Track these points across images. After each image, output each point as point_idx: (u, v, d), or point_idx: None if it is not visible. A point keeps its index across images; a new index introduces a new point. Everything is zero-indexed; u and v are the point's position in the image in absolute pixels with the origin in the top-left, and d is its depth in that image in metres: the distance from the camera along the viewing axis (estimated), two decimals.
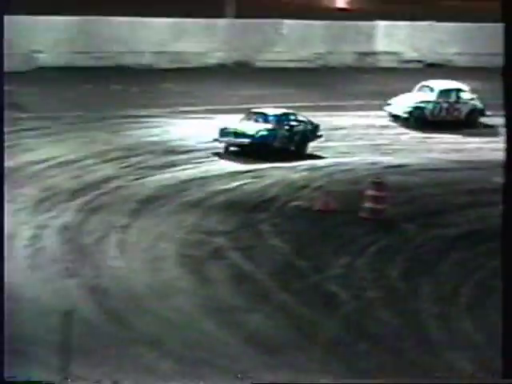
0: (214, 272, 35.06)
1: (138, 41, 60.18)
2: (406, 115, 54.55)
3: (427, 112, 54.50)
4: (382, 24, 65.68)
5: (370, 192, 41.33)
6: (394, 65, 64.63)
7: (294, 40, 63.46)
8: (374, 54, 64.87)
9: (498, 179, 46.65)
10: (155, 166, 45.73)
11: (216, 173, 45.30)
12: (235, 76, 59.70)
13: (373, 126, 53.75)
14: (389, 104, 54.86)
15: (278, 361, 28.48)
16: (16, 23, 57.35)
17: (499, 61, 64.23)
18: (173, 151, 47.99)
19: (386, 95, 58.11)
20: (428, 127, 51.51)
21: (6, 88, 53.00)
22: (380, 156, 49.09)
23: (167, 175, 44.57)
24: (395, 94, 57.82)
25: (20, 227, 37.38)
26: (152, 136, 49.60)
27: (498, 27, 64.83)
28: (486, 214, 42.37)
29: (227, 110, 53.29)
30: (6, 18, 57.62)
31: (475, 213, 42.61)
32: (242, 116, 50.16)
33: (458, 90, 55.54)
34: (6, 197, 38.81)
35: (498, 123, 51.68)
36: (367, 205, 40.96)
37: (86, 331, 24.87)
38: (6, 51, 58.06)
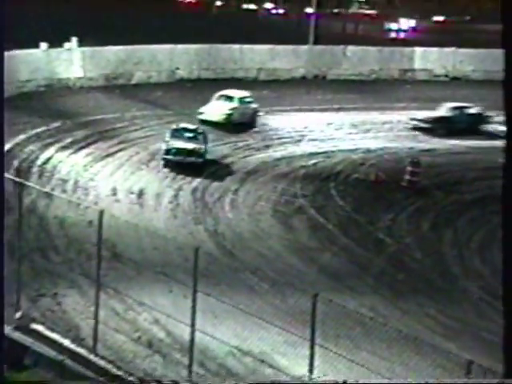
0: (297, 223, 35.29)
1: (246, 61, 60.28)
2: (223, 120, 47.87)
3: (236, 116, 48.81)
4: (419, 49, 65.42)
5: (409, 168, 41.33)
6: (427, 78, 64.12)
7: (355, 60, 63.24)
8: (413, 70, 64.58)
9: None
10: (256, 148, 45.75)
11: (298, 153, 45.22)
12: (313, 86, 59.43)
13: (404, 121, 53.37)
14: (201, 113, 48.00)
15: (342, 285, 28.89)
16: (162, 50, 57.82)
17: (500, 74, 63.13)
18: (266, 135, 47.96)
19: (422, 100, 57.87)
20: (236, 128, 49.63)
21: (158, 94, 53.61)
22: (416, 143, 48.89)
23: (264, 154, 44.48)
24: (429, 100, 57.62)
25: (165, 189, 37.90)
26: (251, 127, 49.57)
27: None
28: (493, 185, 42.46)
29: (306, 109, 53.18)
30: (160, 46, 57.47)
31: (485, 184, 42.57)
32: None
33: (248, 97, 50.71)
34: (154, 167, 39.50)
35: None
36: (407, 177, 41.03)
37: (208, 261, 25.19)
38: (156, 69, 57.09)
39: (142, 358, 21.93)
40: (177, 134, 41.96)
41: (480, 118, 53.56)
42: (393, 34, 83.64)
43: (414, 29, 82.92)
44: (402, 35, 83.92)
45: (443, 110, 52.56)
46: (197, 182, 39.07)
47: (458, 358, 18.11)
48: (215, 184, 38.87)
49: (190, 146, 40.95)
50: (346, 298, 26.87)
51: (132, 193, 36.89)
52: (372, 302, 27.57)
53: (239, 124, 48.46)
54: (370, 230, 35.01)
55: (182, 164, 40.36)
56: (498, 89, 49.29)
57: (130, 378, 19.32)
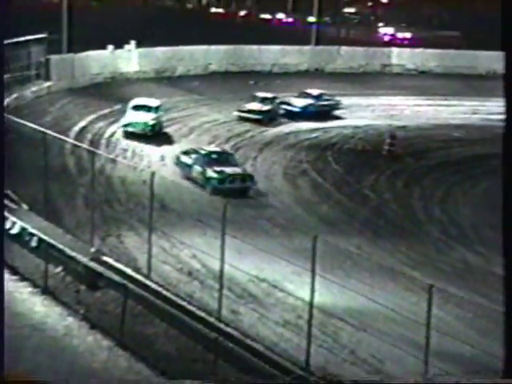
0: (302, 182, 35.29)
1: (263, 58, 60.12)
2: (148, 132, 38.79)
3: (157, 126, 40.00)
4: (395, 49, 65.28)
5: (387, 140, 41.30)
6: (401, 71, 63.91)
7: (347, 57, 63.02)
8: (391, 65, 64.35)
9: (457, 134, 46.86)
10: (269, 124, 44.96)
11: (303, 129, 45.18)
12: (314, 76, 59.25)
13: (389, 105, 53.21)
14: (125, 125, 39.11)
15: (335, 229, 29.00)
16: (198, 50, 57.72)
17: (459, 70, 62.97)
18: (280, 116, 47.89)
19: (398, 88, 57.65)
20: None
21: (197, 85, 53.00)
22: (394, 121, 48.75)
23: (276, 129, 44.54)
24: (403, 87, 57.50)
25: None
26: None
27: (463, 53, 63.05)
28: (451, 153, 42.51)
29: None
30: (197, 47, 56.03)
31: (447, 151, 42.60)
32: None
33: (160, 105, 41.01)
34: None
35: None
36: (386, 148, 41.04)
37: (234, 212, 25.27)
38: (194, 65, 55.54)
39: (184, 283, 22.21)
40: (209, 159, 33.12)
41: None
42: (386, 38, 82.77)
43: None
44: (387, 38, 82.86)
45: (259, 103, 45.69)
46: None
47: (422, 283, 18.27)
48: (239, 152, 38.92)
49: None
50: (339, 239, 26.98)
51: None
52: (358, 242, 27.60)
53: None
54: (358, 188, 35.04)
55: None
56: (455, 80, 48.90)
57: (172, 296, 19.52)
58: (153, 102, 40.96)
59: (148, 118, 39.35)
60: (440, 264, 26.27)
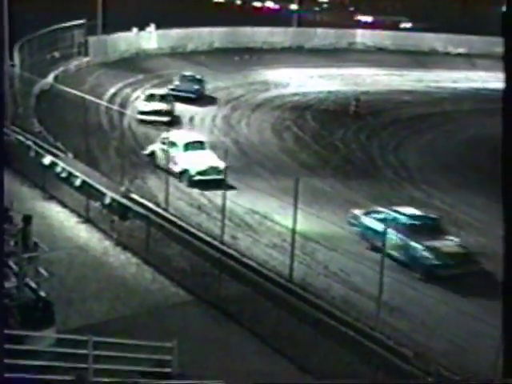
0: (286, 136, 35.16)
1: (255, 37, 59.34)
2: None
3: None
4: (359, 30, 64.42)
5: (353, 103, 41.14)
6: (364, 48, 63.15)
7: (321, 37, 62.16)
8: (356, 43, 63.61)
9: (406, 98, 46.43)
10: (260, 90, 45.33)
11: (287, 93, 44.90)
12: (295, 52, 58.68)
13: (354, 74, 52.78)
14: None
15: (313, 173, 28.77)
16: (205, 31, 56.99)
17: (408, 47, 61.46)
18: (267, 83, 47.63)
19: (362, 61, 57.16)
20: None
21: (203, 59, 52.31)
22: (358, 87, 48.49)
23: (265, 94, 44.33)
24: (365, 61, 56.99)
25: (205, 115, 37.46)
26: (258, 77, 49.11)
27: (410, 34, 61.49)
28: (401, 112, 42.38)
29: (291, 66, 52.26)
30: (204, 28, 54.83)
31: (399, 111, 42.49)
32: None
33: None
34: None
35: None
36: (352, 108, 40.92)
37: (233, 159, 25.24)
38: (201, 43, 54.34)
39: (195, 215, 22.25)
40: None
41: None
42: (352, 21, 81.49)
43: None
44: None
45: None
46: (225, 110, 39.05)
47: None
48: (237, 112, 38.78)
49: None
50: (316, 180, 27.08)
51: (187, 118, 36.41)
52: (331, 183, 27.66)
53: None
54: (330, 140, 34.92)
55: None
56: (405, 55, 48.33)
57: (185, 225, 19.57)
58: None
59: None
60: (393, 199, 26.31)
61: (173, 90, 38.79)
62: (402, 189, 28.16)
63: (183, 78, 41.04)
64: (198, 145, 27.22)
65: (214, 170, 25.06)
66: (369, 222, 21.03)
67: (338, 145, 34.15)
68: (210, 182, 24.68)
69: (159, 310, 16.87)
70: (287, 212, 19.24)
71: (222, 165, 23.12)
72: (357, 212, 22.15)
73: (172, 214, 20.39)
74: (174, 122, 34.56)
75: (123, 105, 37.14)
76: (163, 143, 26.02)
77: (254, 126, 36.16)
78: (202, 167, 25.46)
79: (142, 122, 33.04)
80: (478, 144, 35.53)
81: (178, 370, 11.97)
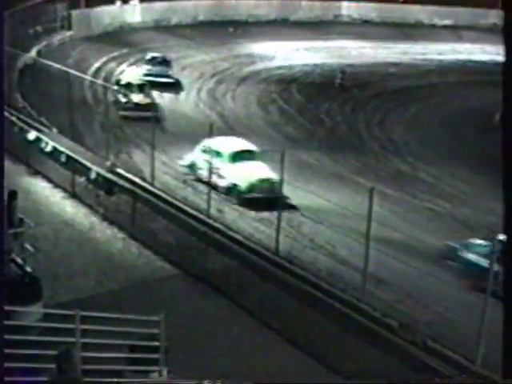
0: (272, 109, 35.24)
1: (240, 10, 58.85)
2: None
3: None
4: (344, 3, 63.98)
5: (339, 75, 40.99)
6: (349, 21, 62.86)
7: (307, 9, 61.74)
8: (341, 16, 63.23)
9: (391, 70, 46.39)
10: (245, 63, 45.20)
11: (273, 67, 44.79)
12: (280, 25, 58.32)
13: (340, 47, 52.62)
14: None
15: (298, 145, 28.88)
16: (189, 4, 56.38)
17: (393, 20, 60.98)
18: (253, 56, 47.42)
19: (347, 33, 56.97)
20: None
21: (187, 32, 51.94)
22: (344, 59, 48.33)
23: (251, 68, 44.14)
24: (351, 33, 56.72)
25: (190, 89, 37.61)
26: (243, 50, 48.92)
27: (397, 6, 60.92)
28: (387, 85, 42.34)
29: (277, 39, 52.06)
30: (188, 2, 54.23)
31: (384, 84, 42.42)
32: None
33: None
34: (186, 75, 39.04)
35: None
36: (337, 81, 40.83)
37: (218, 132, 25.10)
38: (186, 16, 53.62)
39: (180, 188, 22.22)
40: None
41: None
42: None
43: None
44: None
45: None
46: (210, 84, 38.86)
47: (365, 186, 18.37)
48: (222, 85, 38.62)
49: None
50: (301, 153, 27.10)
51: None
52: (317, 155, 27.68)
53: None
54: (316, 113, 34.95)
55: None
56: (390, 27, 47.93)
57: (171, 199, 19.52)
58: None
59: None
60: (379, 171, 26.44)
61: (147, 75, 34.81)
62: (387, 161, 28.24)
63: (153, 60, 37.57)
64: (247, 154, 22.92)
65: (268, 185, 21.07)
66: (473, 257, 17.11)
67: (324, 118, 34.14)
68: (263, 200, 20.84)
69: (146, 284, 16.89)
70: None
71: (276, 178, 18.74)
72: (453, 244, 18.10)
73: (158, 189, 20.34)
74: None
75: (108, 79, 36.88)
76: (205, 152, 22.11)
77: (239, 100, 36.07)
78: (254, 182, 21.54)
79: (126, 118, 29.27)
80: (463, 116, 35.63)
81: (165, 344, 12.01)
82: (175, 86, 36.52)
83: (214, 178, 20.45)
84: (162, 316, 11.93)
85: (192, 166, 23.02)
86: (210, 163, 19.86)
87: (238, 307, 15.79)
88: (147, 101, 29.89)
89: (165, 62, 38.11)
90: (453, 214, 21.88)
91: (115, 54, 42.88)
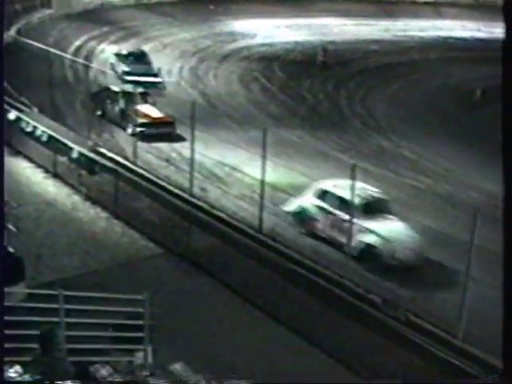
0: (254, 87, 35.14)
1: None
2: None
3: None
4: None
5: (320, 53, 41.01)
6: None
7: None
8: None
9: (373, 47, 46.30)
10: (227, 41, 44.95)
11: (254, 44, 44.65)
12: (262, 2, 57.63)
13: (321, 24, 52.42)
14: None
15: (280, 123, 28.77)
16: None
17: None
18: (234, 34, 47.13)
19: (329, 11, 56.63)
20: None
21: (169, 10, 51.43)
22: (326, 36, 48.23)
23: (233, 45, 43.93)
24: (332, 11, 56.38)
25: (172, 66, 37.27)
26: (225, 28, 48.67)
27: None
28: (369, 62, 42.31)
29: (258, 17, 51.77)
30: None
31: (366, 61, 42.39)
32: None
33: None
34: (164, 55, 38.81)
35: None
36: (319, 58, 40.76)
37: (200, 111, 24.87)
38: None
39: (162, 167, 22.12)
40: None
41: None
42: None
43: None
44: None
45: None
46: (192, 62, 38.61)
47: (347, 164, 18.30)
48: (203, 63, 38.39)
49: None
50: (284, 131, 27.04)
51: None
52: (299, 133, 27.68)
53: None
54: (298, 90, 34.89)
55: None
56: (372, 4, 47.59)
57: (154, 178, 19.42)
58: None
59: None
60: (362, 148, 26.48)
61: (127, 75, 31.17)
62: (369, 138, 28.27)
63: (129, 57, 33.03)
64: (381, 205, 17.69)
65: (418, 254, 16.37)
66: None
67: (306, 95, 34.09)
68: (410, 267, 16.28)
69: (130, 264, 16.85)
70: (256, 163, 19.20)
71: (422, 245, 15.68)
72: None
73: (140, 168, 20.24)
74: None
75: (88, 58, 36.54)
76: (320, 198, 17.84)
77: (221, 78, 35.91)
78: (402, 249, 16.18)
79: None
80: (444, 93, 35.69)
81: (150, 322, 12.02)
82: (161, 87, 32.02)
83: (336, 234, 16.62)
84: (146, 295, 11.91)
85: (301, 214, 18.01)
86: (331, 213, 16.59)
87: (222, 285, 15.80)
88: (162, 115, 25.54)
89: (144, 58, 33.70)
90: (435, 190, 21.96)
91: (96, 32, 42.49)
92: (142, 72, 31.76)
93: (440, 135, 28.79)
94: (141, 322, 12.10)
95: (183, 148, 22.86)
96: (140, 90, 26.83)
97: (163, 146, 24.33)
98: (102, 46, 39.42)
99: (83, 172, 20.63)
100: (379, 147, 27.05)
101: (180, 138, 24.12)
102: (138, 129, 23.75)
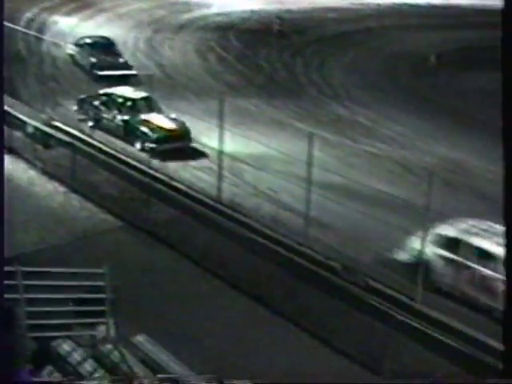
0: (210, 57, 34.65)
1: None
2: None
3: None
4: None
5: (277, 21, 40.81)
6: None
7: None
8: None
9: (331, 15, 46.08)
10: (182, 11, 44.28)
11: (210, 14, 44.13)
12: None
13: None
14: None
15: (237, 92, 28.54)
16: None
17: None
18: (189, 4, 46.39)
19: None
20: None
21: None
22: (282, 5, 47.84)
23: (188, 15, 43.23)
24: None
25: (127, 37, 36.67)
26: None
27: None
28: (326, 30, 42.15)
29: None
30: None
31: (323, 29, 42.23)
32: None
33: None
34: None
35: None
36: (276, 27, 40.52)
37: (157, 82, 24.41)
38: None
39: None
40: None
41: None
42: None
43: None
44: None
45: None
46: (147, 33, 38.10)
47: (305, 132, 18.27)
48: (159, 34, 37.91)
49: None
50: (241, 100, 26.94)
51: None
52: (256, 102, 27.58)
53: None
54: (255, 60, 34.67)
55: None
56: None
57: (114, 152, 19.23)
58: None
59: None
60: (319, 116, 26.50)
61: (94, 67, 27.74)
62: (326, 106, 28.30)
63: (95, 46, 29.23)
64: None
65: None
66: None
67: (263, 64, 33.92)
68: None
69: (89, 238, 16.72)
70: (214, 134, 19.14)
71: None
72: None
73: (97, 141, 20.03)
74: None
75: (41, 30, 35.81)
76: (444, 245, 14.20)
77: (177, 48, 35.50)
78: None
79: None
80: (400, 60, 35.84)
81: (111, 296, 11.96)
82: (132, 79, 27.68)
83: (473, 291, 13.57)
84: (106, 268, 11.85)
85: (418, 264, 13.59)
86: (470, 267, 13.55)
87: (183, 256, 15.79)
88: (176, 125, 21.74)
89: (111, 47, 29.97)
90: (392, 156, 22.14)
91: (46, 4, 41.62)
92: (112, 64, 28.07)
93: (396, 102, 28.97)
94: (102, 296, 12.05)
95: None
96: (142, 94, 22.69)
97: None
98: (55, 17, 38.66)
99: (39, 146, 20.32)
100: (336, 115, 27.11)
101: (200, 154, 21.13)
102: (150, 144, 20.34)
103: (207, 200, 16.80)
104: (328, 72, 33.44)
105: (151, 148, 19.93)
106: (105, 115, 22.02)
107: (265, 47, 36.76)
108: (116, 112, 21.91)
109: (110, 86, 23.78)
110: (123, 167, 18.45)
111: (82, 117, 22.07)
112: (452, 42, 38.30)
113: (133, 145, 21.04)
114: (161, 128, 21.12)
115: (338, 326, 13.06)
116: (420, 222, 13.28)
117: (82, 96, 23.13)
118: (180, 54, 34.46)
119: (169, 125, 21.41)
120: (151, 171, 18.18)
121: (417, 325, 12.49)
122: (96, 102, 22.42)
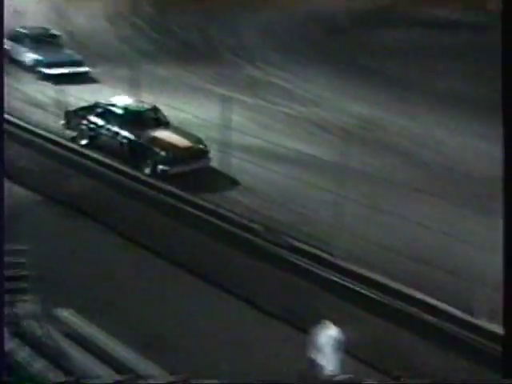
0: (121, 23, 33.48)
1: None
2: None
3: None
4: None
5: None
6: None
7: None
8: None
9: None
10: None
11: None
12: None
13: None
14: None
15: (153, 60, 27.86)
16: None
17: None
18: None
19: None
20: None
21: None
22: None
23: None
24: None
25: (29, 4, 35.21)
26: None
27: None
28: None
29: None
30: None
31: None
32: None
33: None
34: None
35: None
36: None
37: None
38: None
39: (33, 113, 21.10)
40: None
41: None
42: None
43: None
44: None
45: None
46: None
47: (222, 96, 18.17)
48: (69, 2, 36.55)
49: None
50: (157, 68, 26.06)
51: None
52: (172, 68, 27.04)
53: None
54: (167, 25, 34.00)
55: None
56: None
57: (27, 125, 18.71)
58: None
59: None
60: (234, 79, 26.36)
61: (39, 64, 24.63)
62: (241, 69, 28.18)
63: (36, 40, 25.73)
64: None
65: None
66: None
67: (176, 29, 33.38)
68: None
69: (8, 214, 16.26)
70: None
71: None
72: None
73: (9, 114, 19.38)
74: None
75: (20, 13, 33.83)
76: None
77: (84, 14, 34.20)
78: None
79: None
80: (311, 19, 35.92)
81: (33, 272, 11.74)
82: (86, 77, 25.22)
83: None
84: (27, 245, 11.62)
85: None
86: None
87: (105, 228, 15.55)
88: (192, 143, 18.13)
89: (55, 39, 26.93)
90: (309, 117, 22.28)
91: None
92: (60, 60, 24.75)
93: (310, 62, 29.07)
94: (24, 273, 11.83)
95: (50, 89, 21.75)
96: (147, 106, 19.08)
97: (31, 89, 23.15)
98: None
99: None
100: (251, 77, 27.03)
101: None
102: (162, 167, 17.15)
103: (131, 171, 16.58)
104: (241, 34, 33.23)
105: (163, 171, 17.07)
106: (103, 131, 18.41)
107: (179, 13, 36.09)
108: (117, 128, 18.22)
109: (57, 84, 21.23)
110: (38, 140, 18.04)
111: (73, 134, 18.81)
112: (363, 1, 38.56)
113: (140, 169, 17.36)
114: (174, 146, 17.56)
115: (262, 287, 13.15)
116: (340, 181, 13.46)
117: (71, 108, 19.60)
118: (89, 20, 33.20)
119: (183, 142, 17.84)
120: (67, 143, 17.80)
121: (335, 278, 12.79)
122: (90, 116, 18.86)
